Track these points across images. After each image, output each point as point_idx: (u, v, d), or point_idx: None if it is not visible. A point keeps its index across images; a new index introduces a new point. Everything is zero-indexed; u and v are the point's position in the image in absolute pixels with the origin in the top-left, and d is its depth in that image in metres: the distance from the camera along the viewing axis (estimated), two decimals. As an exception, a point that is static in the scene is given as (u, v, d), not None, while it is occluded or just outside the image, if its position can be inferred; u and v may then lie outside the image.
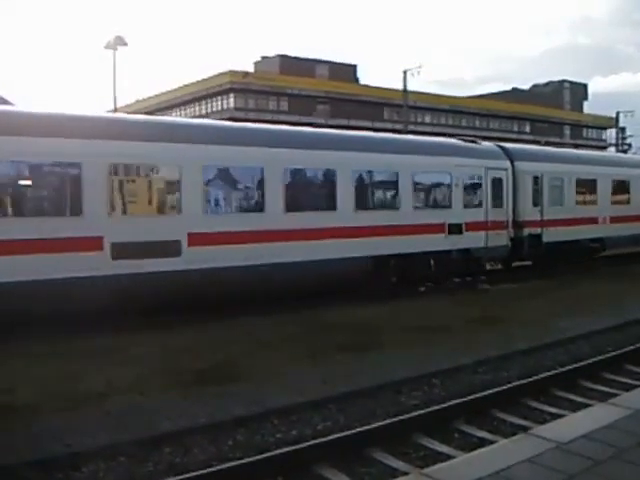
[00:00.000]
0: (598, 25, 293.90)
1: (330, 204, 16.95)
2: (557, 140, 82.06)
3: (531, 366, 10.76)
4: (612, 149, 75.05)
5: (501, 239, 20.70)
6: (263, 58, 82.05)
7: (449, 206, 19.44)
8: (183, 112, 75.15)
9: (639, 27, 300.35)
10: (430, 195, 19.48)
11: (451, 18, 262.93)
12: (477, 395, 8.76)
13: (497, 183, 20.69)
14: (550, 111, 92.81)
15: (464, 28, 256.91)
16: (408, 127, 52.23)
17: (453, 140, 22.42)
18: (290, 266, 15.73)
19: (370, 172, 17.91)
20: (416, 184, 18.72)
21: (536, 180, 22.00)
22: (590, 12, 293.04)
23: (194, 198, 14.68)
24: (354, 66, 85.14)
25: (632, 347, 11.58)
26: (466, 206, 19.79)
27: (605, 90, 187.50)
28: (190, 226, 14.53)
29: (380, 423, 7.70)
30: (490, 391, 8.95)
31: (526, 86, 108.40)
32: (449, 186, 19.47)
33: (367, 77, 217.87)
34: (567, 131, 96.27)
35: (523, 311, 15.30)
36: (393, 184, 18.40)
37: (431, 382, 9.84)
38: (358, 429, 7.50)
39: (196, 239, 14.55)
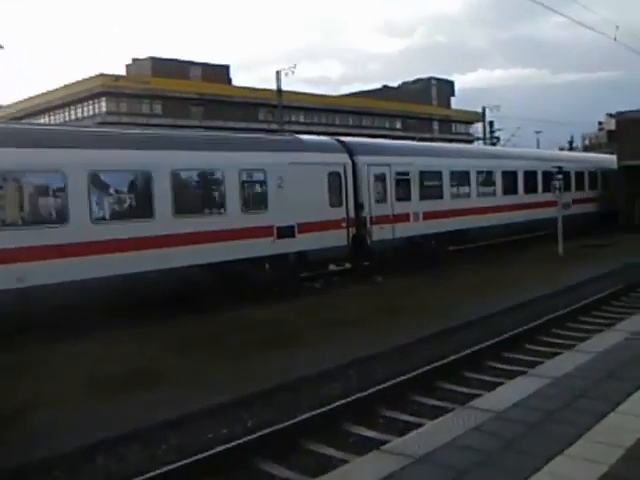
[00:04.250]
0: (455, 24, 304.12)
1: None
2: (428, 135, 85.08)
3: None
4: (480, 142, 78.59)
5: None
6: (134, 60, 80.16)
7: None
8: (53, 117, 72.59)
9: (492, 26, 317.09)
10: None
11: (314, 18, 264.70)
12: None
13: None
14: (420, 108, 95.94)
15: (326, 28, 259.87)
16: (283, 127, 52.80)
17: None
18: None
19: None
20: None
21: None
22: (446, 11, 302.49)
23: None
24: (227, 67, 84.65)
25: (489, 342, 11.77)
26: None
27: (467, 86, 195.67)
28: None
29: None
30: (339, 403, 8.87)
31: (395, 84, 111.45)
32: None
33: (241, 78, 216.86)
34: (436, 126, 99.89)
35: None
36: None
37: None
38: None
39: None
